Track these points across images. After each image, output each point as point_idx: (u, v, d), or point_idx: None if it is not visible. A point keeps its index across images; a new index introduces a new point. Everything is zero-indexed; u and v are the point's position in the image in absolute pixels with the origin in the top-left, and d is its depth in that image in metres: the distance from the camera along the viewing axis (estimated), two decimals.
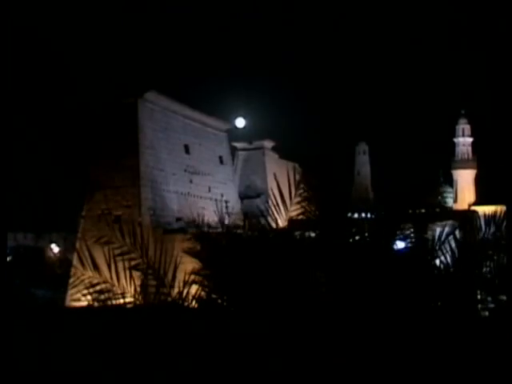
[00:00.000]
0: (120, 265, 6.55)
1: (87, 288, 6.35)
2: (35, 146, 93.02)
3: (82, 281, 6.39)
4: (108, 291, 6.32)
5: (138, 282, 6.50)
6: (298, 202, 6.57)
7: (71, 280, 6.56)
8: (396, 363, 5.33)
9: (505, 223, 6.71)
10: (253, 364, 5.30)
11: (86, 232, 51.02)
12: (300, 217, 6.58)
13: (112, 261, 6.46)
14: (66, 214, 65.98)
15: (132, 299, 6.29)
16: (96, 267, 6.38)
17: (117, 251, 6.51)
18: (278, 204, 6.70)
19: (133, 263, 6.46)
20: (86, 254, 6.84)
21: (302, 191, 6.58)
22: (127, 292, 6.37)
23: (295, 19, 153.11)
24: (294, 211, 6.64)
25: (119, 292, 6.35)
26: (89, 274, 6.37)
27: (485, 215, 6.66)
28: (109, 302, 6.25)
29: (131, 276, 6.45)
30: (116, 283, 6.37)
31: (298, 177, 6.75)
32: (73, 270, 6.66)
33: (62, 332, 6.08)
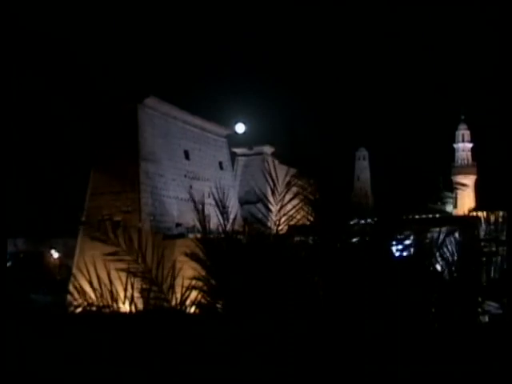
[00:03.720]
0: (119, 272, 6.53)
1: (86, 302, 6.30)
2: (35, 151, 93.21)
3: (82, 291, 6.36)
4: (105, 306, 6.25)
5: (137, 286, 6.48)
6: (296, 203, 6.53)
7: (70, 288, 6.52)
8: (396, 365, 5.34)
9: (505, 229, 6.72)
10: (253, 364, 5.31)
11: (85, 238, 51.00)
12: (300, 222, 6.57)
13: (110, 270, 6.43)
14: (66, 219, 66.05)
15: (128, 307, 6.25)
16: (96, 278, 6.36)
17: (121, 265, 6.45)
18: (267, 207, 6.68)
19: (131, 269, 6.42)
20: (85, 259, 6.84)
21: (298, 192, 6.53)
22: (123, 301, 6.32)
23: (295, 19, 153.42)
24: (285, 215, 6.59)
25: (115, 302, 6.29)
26: (87, 289, 6.33)
27: (487, 220, 6.65)
28: (104, 310, 6.22)
29: (132, 287, 6.40)
30: (113, 291, 6.31)
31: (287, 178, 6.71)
32: (71, 283, 6.62)
33: (62, 335, 6.07)
